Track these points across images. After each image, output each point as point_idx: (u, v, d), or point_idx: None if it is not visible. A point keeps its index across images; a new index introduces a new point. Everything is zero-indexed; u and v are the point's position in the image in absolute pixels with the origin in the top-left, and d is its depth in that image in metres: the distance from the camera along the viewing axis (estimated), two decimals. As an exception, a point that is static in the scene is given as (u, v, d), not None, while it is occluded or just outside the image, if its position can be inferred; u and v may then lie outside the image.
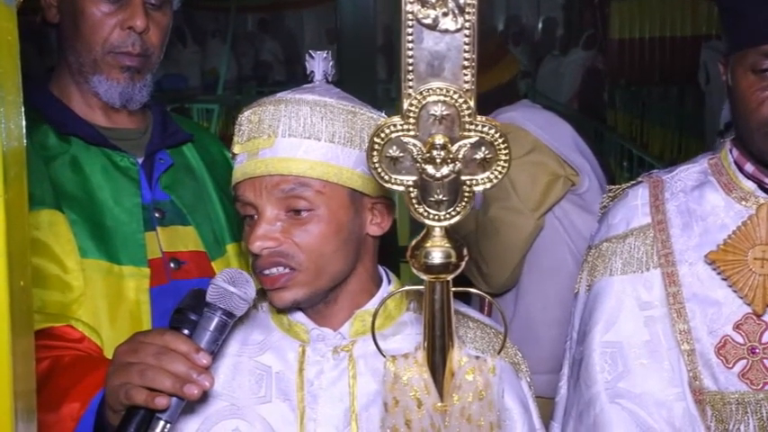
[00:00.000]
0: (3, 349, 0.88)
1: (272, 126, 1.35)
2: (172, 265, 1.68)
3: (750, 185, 1.63)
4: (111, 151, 1.70)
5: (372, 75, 4.35)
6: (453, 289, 0.98)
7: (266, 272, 1.35)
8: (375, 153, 0.93)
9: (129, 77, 1.69)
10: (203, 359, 1.24)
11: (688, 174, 1.71)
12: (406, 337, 1.40)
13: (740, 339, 1.57)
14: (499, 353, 1.15)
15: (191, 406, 1.37)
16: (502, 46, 3.35)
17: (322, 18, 12.72)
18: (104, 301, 1.59)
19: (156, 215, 1.71)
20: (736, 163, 1.66)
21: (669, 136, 8.26)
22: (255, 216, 1.36)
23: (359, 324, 1.41)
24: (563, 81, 9.37)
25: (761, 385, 1.56)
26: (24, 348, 0.94)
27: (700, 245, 1.62)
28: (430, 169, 0.92)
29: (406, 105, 0.90)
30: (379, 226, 1.42)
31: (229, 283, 1.30)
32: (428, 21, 0.88)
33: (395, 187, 0.94)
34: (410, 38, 0.88)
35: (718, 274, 1.59)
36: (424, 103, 0.90)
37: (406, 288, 1.17)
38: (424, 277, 0.97)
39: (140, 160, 1.73)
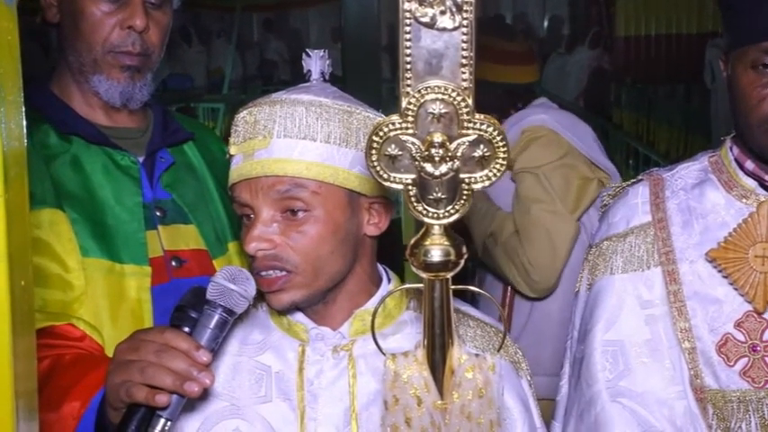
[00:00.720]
0: (4, 349, 0.89)
1: (267, 127, 1.35)
2: (173, 263, 1.69)
3: (750, 183, 1.63)
4: (112, 150, 1.71)
5: (377, 74, 4.35)
6: (453, 287, 0.98)
7: (263, 273, 1.35)
8: (374, 152, 0.93)
9: (130, 77, 1.69)
10: (203, 356, 1.24)
11: (688, 172, 1.71)
12: (406, 336, 1.40)
13: (741, 337, 1.57)
14: (498, 351, 1.15)
15: (191, 406, 1.38)
16: (533, 50, 3.35)
17: (327, 17, 12.72)
18: (106, 300, 1.59)
19: (158, 214, 1.71)
20: (736, 160, 1.65)
21: (675, 134, 8.24)
22: (252, 217, 1.36)
23: (358, 323, 1.40)
24: (569, 79, 9.35)
25: (762, 383, 1.56)
26: (26, 348, 0.94)
27: (700, 243, 1.62)
28: (428, 167, 0.92)
29: (404, 104, 0.90)
30: (377, 226, 1.41)
31: (230, 281, 1.30)
32: (426, 19, 0.88)
33: (394, 186, 0.94)
34: (408, 36, 0.89)
35: (719, 271, 1.59)
36: (422, 101, 0.90)
37: (406, 286, 1.17)
38: (424, 275, 0.97)
39: (141, 159, 1.74)
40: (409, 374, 1.02)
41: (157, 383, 1.22)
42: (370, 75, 4.19)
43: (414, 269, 0.96)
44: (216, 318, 1.29)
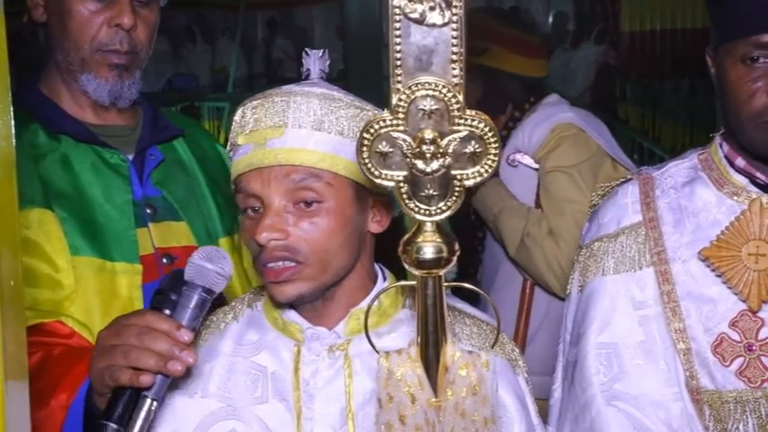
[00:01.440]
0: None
1: (281, 116, 1.34)
2: (164, 260, 1.69)
3: (741, 180, 1.60)
4: (101, 148, 1.71)
5: (378, 70, 4.36)
6: (446, 284, 0.98)
7: (271, 264, 1.33)
8: (365, 149, 0.93)
9: (118, 75, 1.69)
10: (185, 336, 1.26)
11: (678, 170, 1.68)
12: (402, 334, 1.39)
13: (736, 337, 1.55)
14: (492, 347, 1.14)
15: (189, 408, 1.38)
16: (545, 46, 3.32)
17: (331, 15, 12.72)
18: (97, 298, 1.60)
19: (148, 211, 1.71)
20: (726, 158, 1.63)
21: (680, 129, 8.21)
22: (259, 208, 1.34)
23: (354, 323, 1.40)
24: (575, 75, 9.33)
25: (759, 383, 1.53)
26: (17, 347, 0.94)
27: (692, 241, 1.59)
28: (420, 164, 0.91)
29: (394, 100, 0.90)
30: (380, 224, 1.41)
31: (206, 260, 1.31)
32: (415, 15, 0.88)
33: (385, 183, 0.93)
34: (397, 32, 0.88)
35: (712, 270, 1.56)
36: (412, 97, 0.90)
37: (399, 284, 1.16)
38: (416, 273, 0.96)
39: (131, 157, 1.74)
40: (403, 372, 1.01)
41: (141, 365, 1.23)
42: (372, 71, 4.19)
43: (406, 266, 0.96)
44: (195, 298, 1.31)
